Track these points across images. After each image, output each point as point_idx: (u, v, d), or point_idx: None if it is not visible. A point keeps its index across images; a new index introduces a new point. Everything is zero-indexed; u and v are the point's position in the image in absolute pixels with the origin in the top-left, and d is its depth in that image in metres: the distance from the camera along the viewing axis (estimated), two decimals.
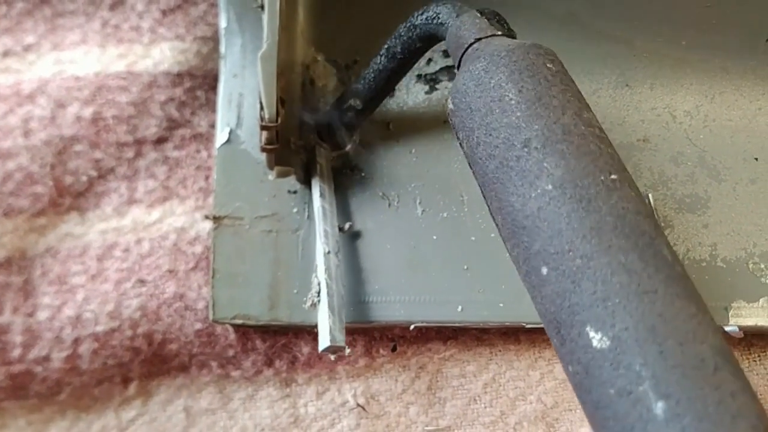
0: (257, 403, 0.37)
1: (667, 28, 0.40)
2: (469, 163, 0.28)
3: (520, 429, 0.37)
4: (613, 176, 0.24)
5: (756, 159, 0.39)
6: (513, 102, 0.25)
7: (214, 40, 0.41)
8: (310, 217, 0.37)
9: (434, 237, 0.37)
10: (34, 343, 0.36)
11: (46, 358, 0.36)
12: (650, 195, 0.38)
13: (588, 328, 0.21)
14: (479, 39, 0.28)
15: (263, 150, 0.34)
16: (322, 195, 0.37)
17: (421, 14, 0.32)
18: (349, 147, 0.39)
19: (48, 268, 0.37)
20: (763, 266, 0.37)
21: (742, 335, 0.36)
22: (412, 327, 0.36)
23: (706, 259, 0.37)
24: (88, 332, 0.36)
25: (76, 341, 0.36)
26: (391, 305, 0.36)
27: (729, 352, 0.21)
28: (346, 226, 0.37)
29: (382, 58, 0.34)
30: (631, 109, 0.40)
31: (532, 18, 0.39)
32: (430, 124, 0.39)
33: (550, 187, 0.23)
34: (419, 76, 0.40)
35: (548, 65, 0.26)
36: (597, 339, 0.21)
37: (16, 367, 0.36)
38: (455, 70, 0.29)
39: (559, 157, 0.24)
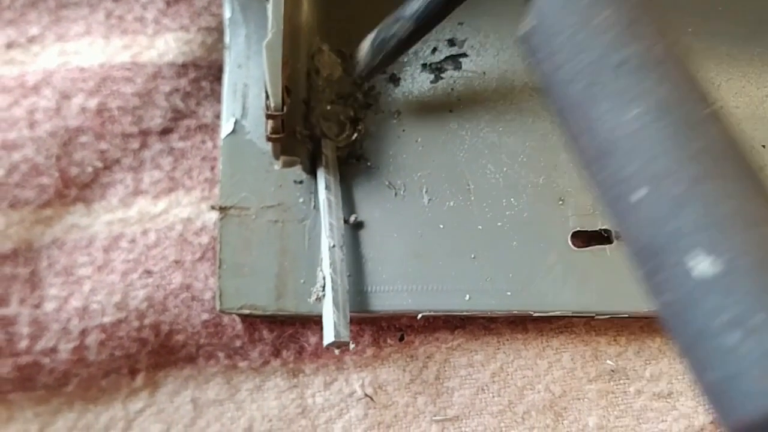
0: (264, 394, 0.37)
1: (674, 16, 0.40)
2: (546, 87, 0.26)
3: (528, 418, 0.37)
4: (713, 106, 0.22)
5: (763, 146, 0.39)
6: (610, 20, 0.24)
7: (218, 30, 0.41)
8: (316, 206, 0.37)
9: (441, 226, 0.37)
10: (41, 335, 0.36)
11: (54, 350, 0.36)
12: None
13: (695, 253, 0.20)
14: None
15: (269, 139, 0.34)
16: (327, 187, 0.36)
17: None
18: (355, 136, 0.38)
19: (54, 260, 0.37)
20: None
21: None
22: (419, 316, 0.36)
23: None
24: (95, 323, 0.36)
25: (83, 332, 0.36)
26: (399, 295, 0.36)
27: None
28: (352, 218, 0.37)
29: None
30: None
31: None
32: (436, 113, 0.39)
33: (651, 107, 0.22)
34: (424, 65, 0.40)
35: None
36: (706, 264, 0.20)
37: (24, 358, 0.36)
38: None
39: (660, 81, 0.22)
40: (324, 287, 0.34)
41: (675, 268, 0.20)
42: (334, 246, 0.35)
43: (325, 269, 0.34)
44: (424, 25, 0.34)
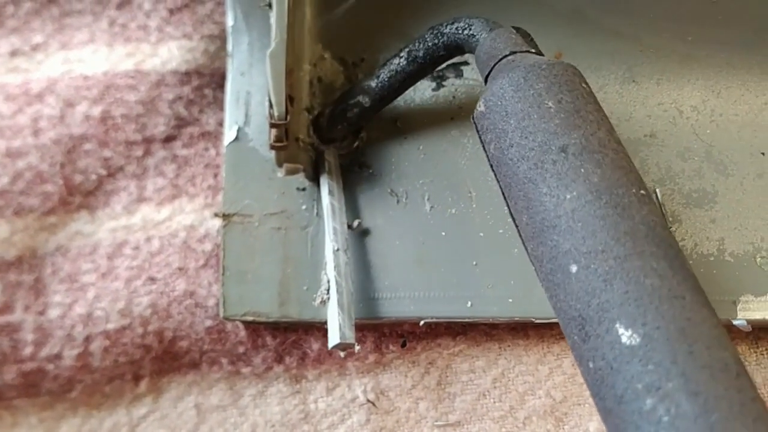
0: (267, 400, 0.37)
1: (674, 23, 0.40)
2: (492, 165, 0.28)
3: (529, 423, 0.37)
4: (642, 191, 0.25)
5: (763, 153, 0.39)
6: (552, 110, 0.26)
7: (221, 38, 0.42)
8: (319, 214, 0.37)
9: (443, 233, 0.37)
10: (45, 341, 0.36)
11: (58, 356, 0.36)
12: (658, 190, 0.38)
13: (618, 325, 0.22)
14: (515, 52, 0.29)
15: (272, 147, 0.35)
16: (330, 193, 0.37)
17: (452, 24, 0.33)
18: (357, 143, 0.39)
19: (58, 267, 0.38)
20: None
21: (750, 329, 0.37)
22: (421, 323, 0.36)
23: (714, 254, 0.37)
24: (99, 330, 0.36)
25: (88, 339, 0.36)
26: (401, 301, 0.36)
27: (743, 363, 0.22)
28: (355, 223, 0.37)
29: (402, 59, 0.35)
30: (637, 105, 0.40)
31: (539, 14, 0.39)
32: (438, 120, 0.39)
33: (586, 191, 0.24)
34: None
35: (583, 84, 0.27)
36: (627, 335, 0.22)
37: (28, 365, 0.36)
38: (483, 82, 0.30)
39: (596, 165, 0.25)
40: (328, 290, 0.35)
41: (601, 338, 0.23)
42: (338, 249, 0.35)
43: (330, 272, 0.35)
44: (384, 97, 0.36)
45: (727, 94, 0.41)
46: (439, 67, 0.40)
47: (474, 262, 0.37)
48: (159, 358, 0.37)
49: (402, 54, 0.35)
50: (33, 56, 0.41)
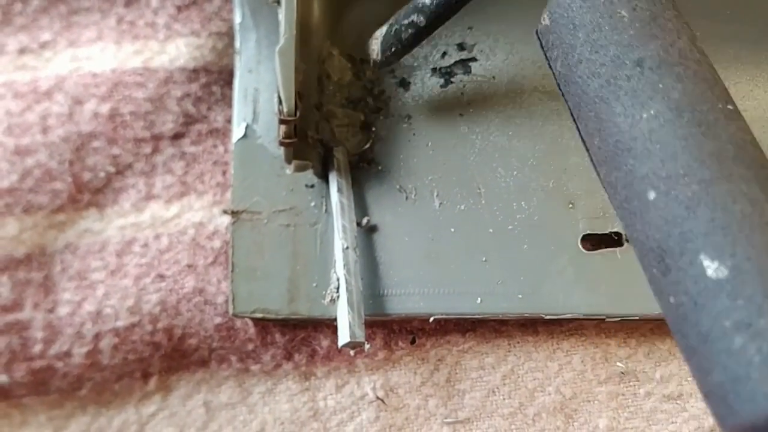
0: (276, 397, 0.37)
1: None
2: (559, 84, 0.26)
3: (538, 420, 0.37)
4: (729, 106, 0.22)
5: None
6: (626, 19, 0.24)
7: (228, 35, 0.42)
8: (328, 210, 0.37)
9: (452, 229, 0.37)
10: (54, 339, 0.36)
11: (67, 354, 0.36)
12: None
13: (702, 256, 0.20)
14: None
15: (281, 144, 0.35)
16: (339, 190, 0.37)
17: None
18: (369, 142, 0.39)
19: (68, 264, 0.38)
20: None
21: None
22: (431, 319, 0.36)
23: None
24: (108, 327, 0.36)
25: (97, 336, 0.36)
26: (410, 298, 0.36)
27: None
28: (364, 221, 0.37)
29: None
30: None
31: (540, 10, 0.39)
32: (446, 117, 0.39)
33: (665, 108, 0.22)
34: (434, 70, 0.40)
35: None
36: (713, 268, 0.20)
37: (37, 362, 0.36)
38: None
39: (676, 80, 0.22)
40: (338, 289, 0.35)
41: (683, 270, 0.21)
42: (347, 248, 0.35)
43: (339, 271, 0.35)
44: (439, 16, 0.33)
45: (735, 89, 0.40)
46: (448, 64, 0.40)
47: (483, 258, 0.37)
48: (168, 355, 0.37)
49: None
50: (41, 54, 0.41)
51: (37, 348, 0.36)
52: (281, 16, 0.33)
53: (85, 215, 0.39)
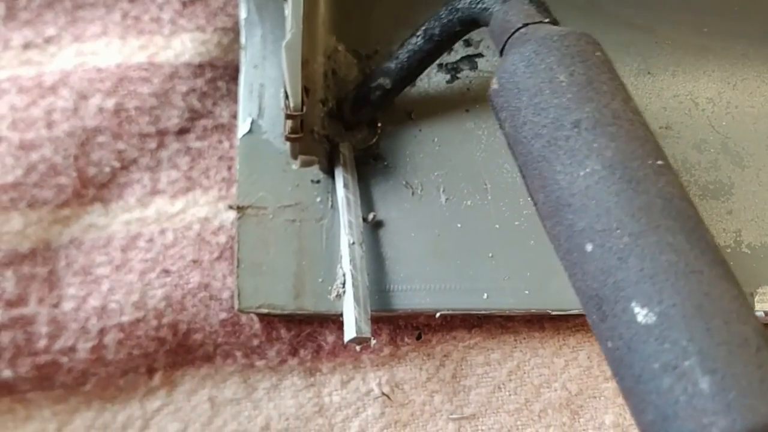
0: (282, 393, 0.37)
1: (689, 15, 0.40)
2: (509, 143, 0.28)
3: (544, 416, 0.37)
4: (659, 162, 0.24)
5: None
6: (564, 84, 0.25)
7: (234, 30, 0.41)
8: (334, 206, 0.37)
9: (458, 225, 0.37)
10: (59, 334, 0.36)
11: (72, 349, 0.36)
12: None
13: (633, 304, 0.22)
14: (527, 24, 0.29)
15: (287, 139, 0.34)
16: (345, 185, 0.37)
17: None
18: (375, 138, 0.39)
19: (72, 259, 0.38)
20: None
21: None
22: (437, 315, 0.36)
23: (731, 245, 0.37)
24: (113, 323, 0.36)
25: (102, 332, 0.36)
26: (416, 293, 0.36)
27: (766, 336, 0.21)
28: (370, 216, 0.37)
29: (419, 38, 0.35)
30: (653, 97, 0.40)
31: (553, 6, 0.38)
32: (452, 112, 0.39)
33: (599, 166, 0.24)
34: (440, 65, 0.40)
35: (597, 53, 0.27)
36: (643, 314, 0.21)
37: (42, 357, 0.36)
38: (498, 56, 0.30)
39: (610, 139, 0.24)
40: (344, 284, 0.34)
41: (617, 317, 0.22)
42: (353, 243, 0.35)
43: (345, 266, 0.35)
44: (403, 79, 0.36)
45: (743, 85, 0.40)
46: (454, 60, 0.40)
47: (490, 254, 0.37)
48: (173, 350, 0.37)
49: (418, 33, 0.35)
50: (46, 49, 0.41)
51: (42, 343, 0.36)
52: (288, 11, 0.33)
53: (90, 210, 0.38)
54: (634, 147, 0.24)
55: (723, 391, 0.19)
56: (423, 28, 0.34)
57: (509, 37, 0.29)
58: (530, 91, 0.26)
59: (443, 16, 0.33)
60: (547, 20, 0.29)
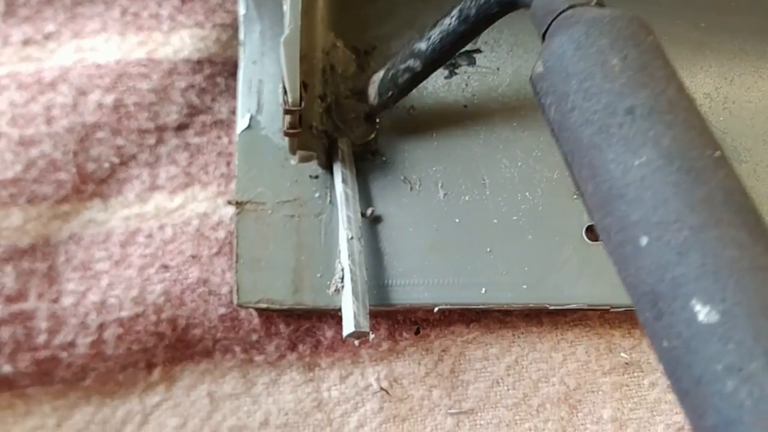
0: (281, 388, 0.37)
1: (686, 11, 0.40)
2: (552, 130, 0.27)
3: (542, 411, 0.37)
4: (717, 153, 0.23)
5: None
6: (617, 68, 0.24)
7: (233, 27, 0.42)
8: (332, 201, 0.37)
9: (456, 220, 0.37)
10: (59, 329, 0.36)
11: (72, 344, 0.36)
12: None
13: (694, 301, 0.21)
14: (573, 6, 0.27)
15: (286, 134, 0.35)
16: (344, 181, 0.37)
17: None
18: (373, 134, 0.39)
19: (72, 255, 0.38)
20: None
21: None
22: (435, 310, 0.37)
23: None
24: (112, 318, 0.36)
25: (101, 327, 0.36)
26: (415, 288, 0.36)
27: None
28: (369, 211, 0.37)
29: (453, 19, 0.33)
30: None
31: None
32: (451, 108, 0.39)
33: (656, 156, 0.23)
34: None
35: (650, 37, 0.25)
36: (704, 312, 0.20)
37: (42, 353, 0.36)
38: (540, 39, 0.28)
39: (666, 127, 0.23)
40: (343, 279, 0.35)
41: (675, 315, 0.21)
42: (352, 238, 0.35)
43: (344, 261, 0.35)
44: (434, 61, 0.34)
45: (740, 81, 0.40)
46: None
47: (488, 249, 0.37)
48: (172, 346, 0.37)
49: (453, 13, 0.33)
50: (45, 45, 0.41)
51: (42, 338, 0.36)
52: (286, 7, 0.33)
53: (89, 206, 0.39)
54: (692, 136, 0.23)
55: None
56: (458, 7, 0.32)
57: (554, 19, 0.27)
58: (580, 75, 0.25)
59: None
60: (593, 2, 0.28)
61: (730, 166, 0.23)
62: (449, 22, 0.33)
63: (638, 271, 0.22)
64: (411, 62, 0.35)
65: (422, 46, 0.34)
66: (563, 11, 0.27)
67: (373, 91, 0.37)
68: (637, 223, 0.22)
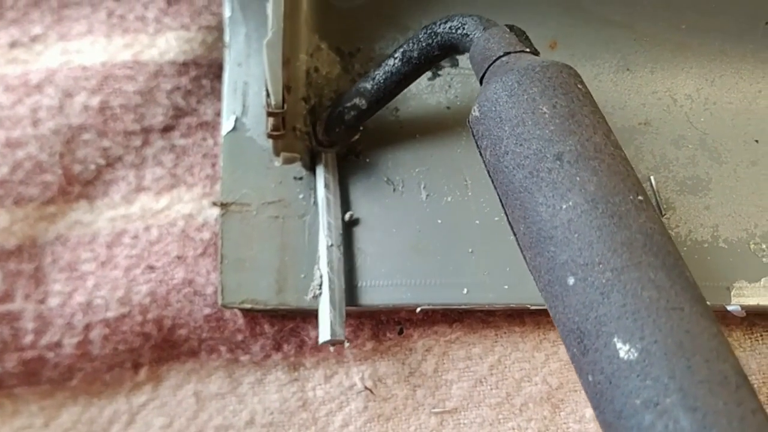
0: (266, 387, 0.37)
1: (667, 12, 0.40)
2: (488, 171, 0.28)
3: (525, 410, 0.37)
4: (640, 197, 0.24)
5: (756, 141, 0.40)
6: (546, 116, 0.25)
7: (218, 29, 0.42)
8: (316, 202, 0.38)
9: (439, 221, 0.37)
10: (45, 330, 0.37)
11: (58, 344, 0.36)
12: (652, 178, 0.38)
13: (615, 339, 0.22)
14: (509, 53, 0.29)
15: (269, 136, 0.35)
16: (326, 186, 0.37)
17: (444, 23, 0.32)
18: (355, 137, 0.39)
19: (58, 256, 0.38)
20: (764, 246, 0.37)
21: (744, 315, 0.37)
22: (418, 310, 0.37)
23: (708, 240, 0.37)
24: (98, 318, 0.37)
25: (87, 327, 0.37)
26: (398, 288, 0.36)
27: (744, 373, 0.22)
28: (346, 216, 0.37)
29: (396, 60, 0.34)
30: (632, 93, 0.40)
31: (534, 3, 0.39)
32: (434, 110, 0.40)
33: (582, 200, 0.24)
34: None
35: (579, 86, 0.27)
36: (625, 350, 0.21)
37: (28, 353, 0.36)
38: (479, 83, 0.30)
39: (592, 173, 0.24)
40: (321, 286, 0.35)
41: (599, 352, 0.22)
42: (332, 245, 0.36)
43: (323, 268, 0.35)
44: (379, 100, 0.36)
45: (720, 82, 0.41)
46: None
47: (470, 250, 0.37)
48: (158, 346, 0.37)
49: (396, 55, 0.34)
50: (32, 47, 0.41)
51: (28, 339, 0.36)
52: (269, 10, 0.33)
53: (76, 207, 0.39)
54: (616, 182, 0.24)
55: (704, 429, 0.20)
56: (401, 50, 0.34)
57: (490, 65, 0.29)
58: (512, 121, 0.26)
59: (422, 39, 0.33)
60: (528, 50, 0.29)
61: (652, 208, 0.25)
62: (393, 63, 0.34)
63: (566, 309, 0.24)
64: (357, 100, 0.36)
65: (367, 85, 0.35)
66: (498, 57, 0.29)
67: (320, 128, 0.38)
68: (564, 264, 0.24)
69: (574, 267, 0.23)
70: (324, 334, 0.34)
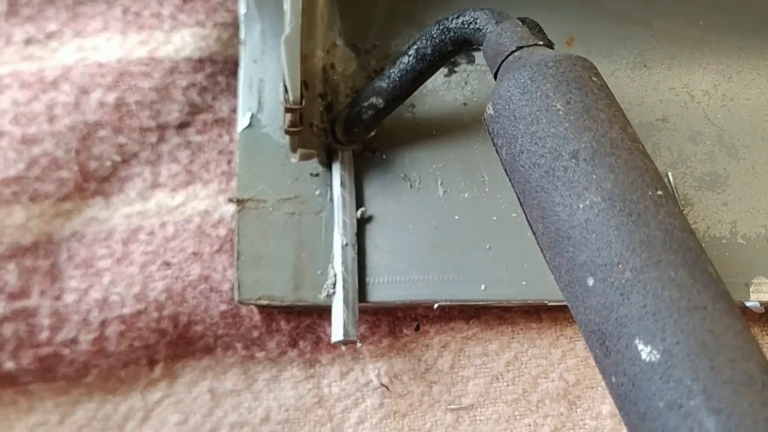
0: (281, 384, 0.37)
1: (685, 8, 0.40)
2: (506, 170, 0.28)
3: (542, 406, 0.37)
4: (659, 192, 0.24)
5: None
6: (561, 112, 0.25)
7: (234, 26, 0.42)
8: (332, 199, 0.37)
9: (456, 217, 0.37)
10: (61, 326, 0.37)
11: (74, 341, 0.36)
12: (670, 174, 0.38)
13: (637, 341, 0.21)
14: (521, 47, 0.28)
15: (287, 132, 0.35)
16: (342, 184, 0.37)
17: (456, 18, 0.31)
18: (373, 133, 0.39)
19: (74, 252, 0.38)
20: None
21: (763, 311, 0.37)
22: (435, 306, 0.37)
23: (726, 237, 0.37)
24: (114, 315, 0.37)
25: (103, 324, 0.37)
26: (415, 285, 0.36)
27: None
28: (359, 213, 0.37)
29: (410, 58, 0.34)
30: (649, 89, 0.40)
31: (551, 0, 0.39)
32: (450, 106, 0.40)
33: (599, 199, 0.23)
34: None
35: (594, 78, 0.26)
36: (646, 352, 0.21)
37: (44, 349, 0.36)
38: (494, 78, 0.29)
39: (608, 170, 0.24)
40: (335, 284, 0.35)
41: (621, 353, 0.22)
42: (346, 245, 0.35)
43: (337, 267, 0.35)
44: (396, 98, 0.35)
45: (738, 78, 0.41)
46: None
47: (487, 246, 0.37)
48: (174, 342, 0.37)
49: (410, 52, 0.34)
50: (47, 44, 0.41)
51: (44, 335, 0.36)
52: (286, 6, 0.33)
53: (92, 203, 0.39)
54: (633, 177, 0.24)
55: (729, 431, 0.19)
56: (414, 47, 0.33)
57: (503, 60, 0.28)
58: (526, 119, 0.26)
59: (435, 35, 0.32)
60: (541, 42, 0.28)
61: (672, 202, 0.24)
62: (407, 60, 0.34)
63: (587, 311, 0.23)
64: (374, 99, 0.36)
65: (383, 84, 0.35)
66: (512, 52, 0.28)
67: (339, 128, 0.38)
68: (583, 264, 0.23)
69: (593, 268, 0.23)
70: (337, 333, 0.34)
